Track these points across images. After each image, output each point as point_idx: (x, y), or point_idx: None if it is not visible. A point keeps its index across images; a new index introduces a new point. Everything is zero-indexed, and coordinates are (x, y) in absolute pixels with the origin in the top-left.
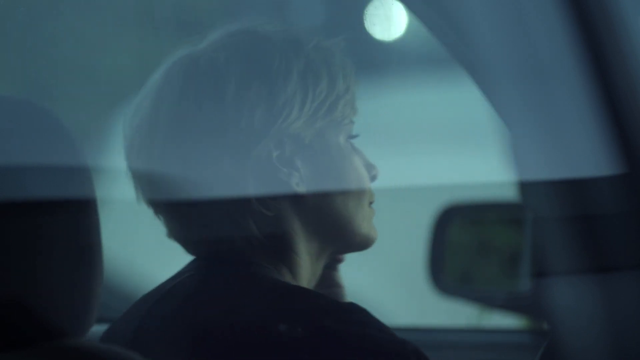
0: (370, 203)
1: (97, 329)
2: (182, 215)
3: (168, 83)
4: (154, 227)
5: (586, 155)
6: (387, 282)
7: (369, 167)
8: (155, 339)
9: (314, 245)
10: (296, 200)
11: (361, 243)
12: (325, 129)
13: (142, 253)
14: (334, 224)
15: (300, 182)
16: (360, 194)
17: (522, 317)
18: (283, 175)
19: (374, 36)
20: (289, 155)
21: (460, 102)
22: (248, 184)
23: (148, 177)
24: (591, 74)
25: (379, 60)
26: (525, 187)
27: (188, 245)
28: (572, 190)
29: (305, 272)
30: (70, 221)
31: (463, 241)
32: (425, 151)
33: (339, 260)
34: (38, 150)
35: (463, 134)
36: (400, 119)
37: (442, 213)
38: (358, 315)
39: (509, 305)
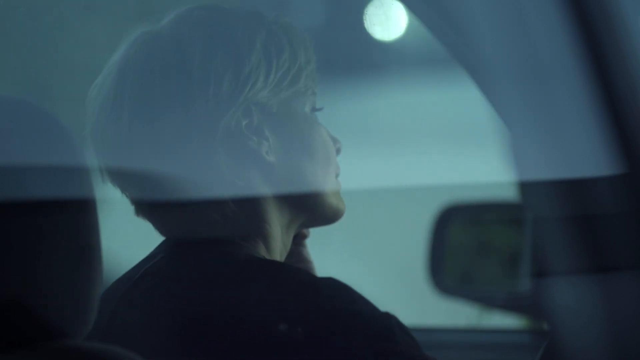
0: (337, 175)
1: None
2: (150, 192)
3: (130, 59)
4: (152, 228)
5: (586, 155)
6: (387, 282)
7: (334, 140)
8: (130, 325)
9: (284, 216)
10: (266, 169)
11: (330, 215)
12: (290, 99)
13: (141, 253)
14: (304, 193)
15: (269, 151)
16: (328, 164)
17: (522, 317)
18: (253, 144)
19: (374, 36)
20: (257, 124)
21: (460, 102)
22: (218, 154)
23: (114, 155)
24: (591, 74)
25: (379, 60)
26: (525, 187)
27: (158, 223)
28: (572, 190)
29: (277, 244)
30: (69, 221)
31: (463, 241)
32: (425, 151)
33: (305, 236)
34: (38, 150)
35: (463, 134)
36: (400, 119)
37: (442, 213)
38: (340, 290)
39: (509, 305)
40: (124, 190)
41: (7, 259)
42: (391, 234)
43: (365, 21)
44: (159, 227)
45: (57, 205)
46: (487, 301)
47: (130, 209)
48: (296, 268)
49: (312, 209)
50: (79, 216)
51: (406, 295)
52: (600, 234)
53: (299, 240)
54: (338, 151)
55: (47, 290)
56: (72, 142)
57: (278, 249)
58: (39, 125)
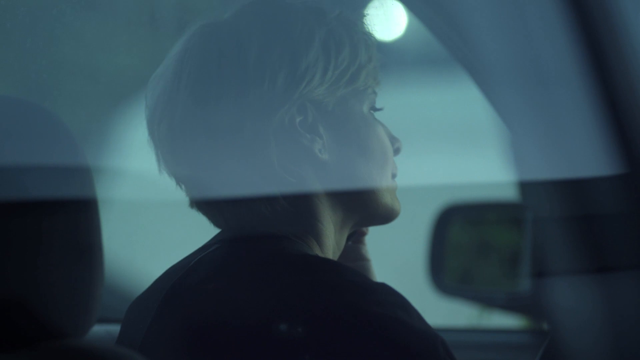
0: (394, 176)
1: (98, 329)
2: (204, 184)
3: (189, 51)
4: (153, 227)
5: (586, 155)
6: (387, 282)
7: (393, 139)
8: (180, 313)
9: (337, 214)
10: (320, 167)
11: (384, 214)
12: (348, 97)
13: (142, 253)
14: (358, 192)
15: (323, 149)
16: (384, 164)
17: (522, 317)
18: (306, 141)
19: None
20: (312, 122)
21: (460, 102)
22: (270, 149)
23: (169, 146)
24: (591, 74)
25: (379, 60)
26: (525, 187)
27: (211, 216)
28: (572, 190)
29: (330, 242)
30: (70, 221)
31: (463, 241)
32: (425, 151)
33: (363, 233)
34: (38, 150)
35: (463, 134)
36: (400, 119)
37: (442, 213)
38: (391, 297)
39: (509, 305)
40: (178, 181)
41: (8, 258)
42: (391, 234)
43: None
44: (211, 218)
45: (58, 205)
46: (487, 301)
47: (135, 208)
48: (349, 268)
49: (366, 208)
50: (80, 216)
51: (406, 295)
52: (600, 234)
53: (357, 237)
54: (397, 151)
55: (48, 290)
56: (73, 141)
57: (331, 248)
58: (40, 125)
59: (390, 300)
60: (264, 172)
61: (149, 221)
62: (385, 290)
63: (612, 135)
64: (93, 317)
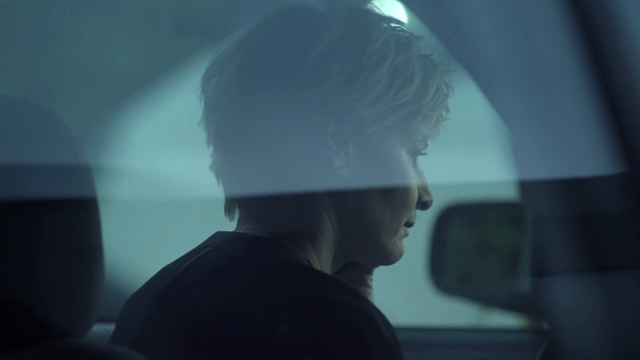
0: (409, 225)
1: (98, 329)
2: (229, 179)
3: (264, 24)
4: (153, 227)
5: (586, 155)
6: (387, 282)
7: (424, 191)
8: (170, 317)
9: (338, 236)
10: (335, 181)
11: (381, 256)
12: (392, 132)
13: (142, 253)
14: (363, 225)
15: (343, 166)
16: (400, 211)
17: (522, 317)
18: (330, 151)
19: None
20: (344, 136)
21: (460, 102)
22: (293, 146)
23: (210, 101)
24: (591, 73)
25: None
26: (525, 186)
27: (226, 201)
28: (572, 189)
29: (327, 255)
30: (70, 221)
31: (463, 241)
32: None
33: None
34: (39, 149)
35: (463, 134)
36: None
37: (442, 213)
38: (364, 319)
39: (509, 304)
40: (208, 142)
41: (8, 258)
42: None
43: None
44: (225, 203)
45: (59, 205)
46: (487, 301)
47: (135, 208)
48: (336, 280)
49: (365, 242)
50: (80, 216)
51: (406, 295)
52: (600, 233)
53: (368, 268)
54: (424, 206)
55: (48, 289)
56: (73, 141)
57: (328, 260)
58: (40, 124)
59: (363, 322)
60: (279, 167)
61: (149, 221)
62: (361, 311)
63: (612, 135)
64: (93, 317)
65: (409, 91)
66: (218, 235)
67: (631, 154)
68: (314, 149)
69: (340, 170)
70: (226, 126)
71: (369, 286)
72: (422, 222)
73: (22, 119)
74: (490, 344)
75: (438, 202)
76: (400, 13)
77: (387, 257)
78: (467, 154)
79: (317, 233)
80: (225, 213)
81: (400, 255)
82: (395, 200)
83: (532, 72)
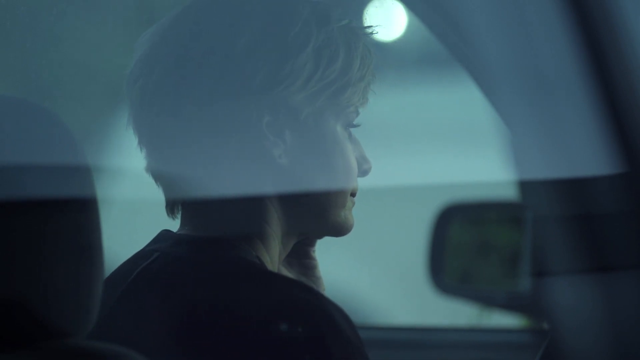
0: (353, 195)
1: None
2: (159, 158)
3: (176, 26)
4: (153, 227)
5: (586, 155)
6: (387, 282)
7: (363, 159)
8: (125, 327)
9: (287, 220)
10: (276, 171)
11: (334, 229)
12: (325, 111)
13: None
14: (310, 206)
15: (283, 154)
16: (344, 182)
17: (522, 317)
18: (267, 143)
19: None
20: (279, 125)
21: (460, 102)
22: (229, 143)
23: (139, 107)
24: (591, 73)
25: (379, 60)
26: (525, 186)
27: (167, 204)
28: (572, 189)
29: (276, 244)
30: (70, 221)
31: (463, 241)
32: (425, 151)
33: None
34: (38, 149)
35: (463, 134)
36: (400, 119)
37: (442, 213)
38: (319, 317)
39: (509, 304)
40: (140, 145)
41: (7, 258)
42: (391, 234)
43: (365, 21)
44: (166, 205)
45: (58, 205)
46: (487, 301)
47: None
48: (288, 280)
49: (316, 220)
50: (80, 215)
51: (406, 295)
52: (600, 233)
53: (309, 240)
54: (365, 172)
55: (48, 289)
56: (73, 140)
57: (277, 250)
58: (40, 124)
59: (313, 320)
60: (217, 165)
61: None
62: (312, 307)
63: (612, 135)
64: (94, 317)
65: (335, 68)
66: (163, 236)
67: (631, 154)
68: (251, 142)
69: (280, 159)
70: (159, 129)
71: (312, 259)
72: (422, 222)
73: (22, 119)
74: (490, 344)
75: (438, 202)
76: (400, 13)
77: (339, 231)
78: (467, 154)
79: (264, 225)
80: (168, 214)
81: (351, 226)
82: (336, 173)
83: (532, 72)
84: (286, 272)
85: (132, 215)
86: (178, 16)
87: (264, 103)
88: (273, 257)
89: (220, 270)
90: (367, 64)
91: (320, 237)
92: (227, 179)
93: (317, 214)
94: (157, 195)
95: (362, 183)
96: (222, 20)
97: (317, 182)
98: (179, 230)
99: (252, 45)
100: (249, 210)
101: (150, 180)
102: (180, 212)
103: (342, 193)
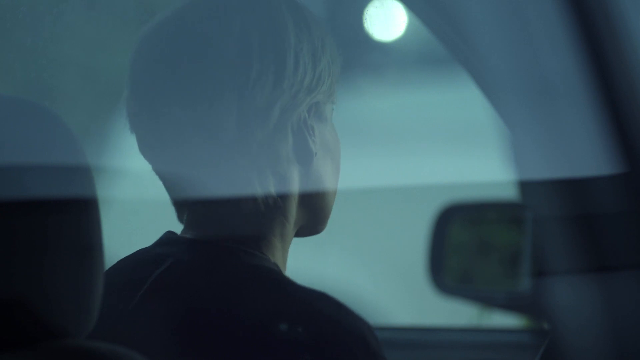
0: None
1: None
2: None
3: (175, 36)
4: (153, 228)
5: (586, 155)
6: (387, 282)
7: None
8: (148, 333)
9: (298, 215)
10: (312, 168)
11: (323, 228)
12: (329, 109)
13: None
14: (322, 203)
15: (317, 152)
16: (339, 168)
17: (522, 317)
18: (310, 141)
19: (374, 36)
20: (312, 123)
21: (460, 102)
22: (287, 142)
23: (137, 109)
24: (591, 73)
25: (379, 60)
26: (525, 187)
27: (177, 206)
28: (572, 190)
29: (289, 240)
30: (71, 221)
31: (463, 241)
32: (425, 151)
33: None
34: (39, 149)
35: (463, 134)
36: (400, 119)
37: (442, 213)
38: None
39: (509, 304)
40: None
41: (7, 258)
42: (391, 234)
43: (365, 21)
44: (176, 208)
45: (58, 205)
46: (487, 301)
47: (135, 208)
48: (309, 289)
49: (319, 220)
50: (80, 215)
51: (406, 295)
52: (600, 233)
53: None
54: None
55: (49, 289)
56: (73, 140)
57: (281, 250)
58: (40, 123)
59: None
60: (254, 164)
61: (149, 221)
62: (328, 301)
63: (612, 135)
64: (94, 317)
65: (336, 65)
66: (171, 240)
67: (631, 154)
68: (301, 142)
69: (316, 157)
70: (171, 140)
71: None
72: (422, 222)
73: (22, 118)
74: (490, 344)
75: (438, 202)
76: (400, 13)
77: (323, 229)
78: (467, 154)
79: (286, 223)
80: (178, 217)
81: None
82: (336, 161)
83: (532, 71)
84: None
85: (132, 215)
86: (188, 20)
87: (305, 103)
88: (278, 258)
89: (243, 279)
90: (337, 55)
91: (313, 226)
92: (260, 176)
93: (325, 208)
94: (156, 195)
95: (362, 183)
96: (267, 36)
97: (327, 171)
98: (185, 232)
99: (296, 53)
100: (278, 207)
101: (153, 181)
102: (187, 214)
103: (337, 177)
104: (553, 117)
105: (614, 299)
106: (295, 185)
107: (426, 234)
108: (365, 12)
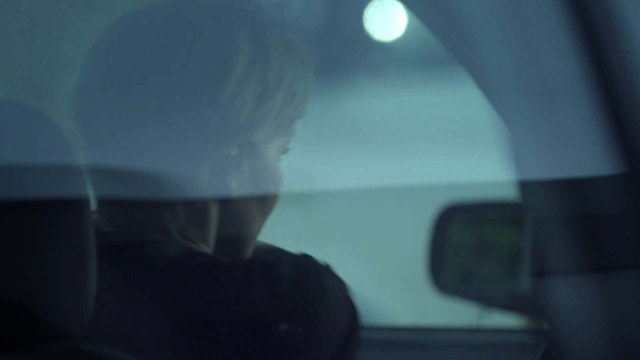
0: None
1: None
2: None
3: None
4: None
5: (586, 155)
6: (387, 282)
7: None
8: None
9: (217, 243)
10: (227, 197)
11: (244, 254)
12: (275, 144)
13: None
14: (237, 234)
15: (236, 188)
16: (270, 211)
17: (522, 317)
18: (230, 177)
19: (374, 36)
20: (241, 160)
21: (460, 102)
22: (199, 173)
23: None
24: (591, 73)
25: (379, 60)
26: (525, 186)
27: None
28: (572, 190)
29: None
30: (64, 221)
31: (463, 241)
32: (425, 151)
33: None
34: (29, 149)
35: (463, 134)
36: (400, 119)
37: (442, 213)
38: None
39: (509, 304)
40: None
41: (1, 259)
42: (391, 234)
43: (365, 21)
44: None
45: (51, 205)
46: (487, 301)
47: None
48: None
49: (236, 249)
50: (72, 215)
51: (406, 295)
52: (600, 233)
53: None
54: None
55: (42, 290)
56: (63, 140)
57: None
58: (29, 124)
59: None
60: (177, 186)
61: None
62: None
63: (612, 135)
64: (88, 318)
65: (295, 105)
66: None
67: (631, 154)
68: (217, 174)
69: (234, 193)
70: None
71: None
72: (422, 222)
73: (14, 119)
74: (490, 344)
75: (438, 202)
76: (400, 13)
77: (248, 253)
78: (467, 154)
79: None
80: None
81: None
82: (267, 208)
83: (532, 71)
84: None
85: None
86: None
87: (236, 140)
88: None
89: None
90: (310, 94)
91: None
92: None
93: (241, 239)
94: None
95: (362, 183)
96: (214, 58)
97: (252, 220)
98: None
99: (237, 89)
100: (194, 224)
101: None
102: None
103: (266, 218)
104: (553, 117)
105: (614, 299)
106: (211, 214)
107: (426, 234)
108: (365, 12)
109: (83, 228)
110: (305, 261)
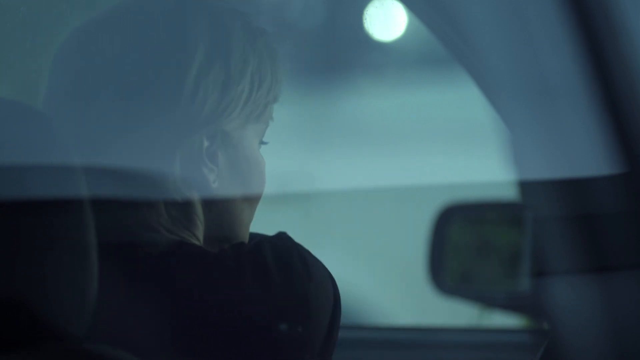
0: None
1: None
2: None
3: (123, 52)
4: None
5: (586, 155)
6: (387, 282)
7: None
8: None
9: (205, 236)
10: (208, 193)
11: (235, 240)
12: (251, 131)
13: None
14: (227, 225)
15: (216, 180)
16: (257, 203)
17: (522, 317)
18: (206, 169)
19: (374, 36)
20: (215, 150)
21: (460, 102)
22: (173, 168)
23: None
24: (591, 73)
25: (379, 60)
26: (525, 186)
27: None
28: (572, 190)
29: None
30: (64, 221)
31: (463, 241)
32: (425, 151)
33: None
34: (27, 150)
35: (463, 134)
36: (400, 119)
37: (442, 213)
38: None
39: (509, 305)
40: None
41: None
42: (391, 234)
43: (365, 21)
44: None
45: (50, 205)
46: (487, 301)
47: None
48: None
49: (225, 240)
50: (72, 215)
51: (406, 295)
52: (600, 233)
53: None
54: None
55: (41, 291)
56: (63, 140)
57: None
58: (30, 124)
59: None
60: (159, 182)
61: None
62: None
63: (612, 135)
64: (88, 318)
65: (264, 90)
66: None
67: (631, 154)
68: (193, 168)
69: (214, 184)
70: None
71: None
72: (422, 222)
73: (11, 119)
74: (490, 345)
75: (438, 202)
76: (400, 13)
77: (236, 238)
78: (467, 154)
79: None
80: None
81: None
82: (254, 198)
83: (532, 71)
84: None
85: None
86: (124, 29)
87: (206, 131)
88: None
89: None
90: (282, 78)
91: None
92: (164, 191)
93: (230, 231)
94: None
95: (362, 183)
96: (172, 51)
97: (237, 203)
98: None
99: (203, 70)
100: (179, 223)
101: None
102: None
103: (254, 208)
104: (553, 117)
105: (614, 299)
106: (197, 206)
107: (426, 234)
108: (365, 12)
109: (83, 228)
110: (285, 242)
